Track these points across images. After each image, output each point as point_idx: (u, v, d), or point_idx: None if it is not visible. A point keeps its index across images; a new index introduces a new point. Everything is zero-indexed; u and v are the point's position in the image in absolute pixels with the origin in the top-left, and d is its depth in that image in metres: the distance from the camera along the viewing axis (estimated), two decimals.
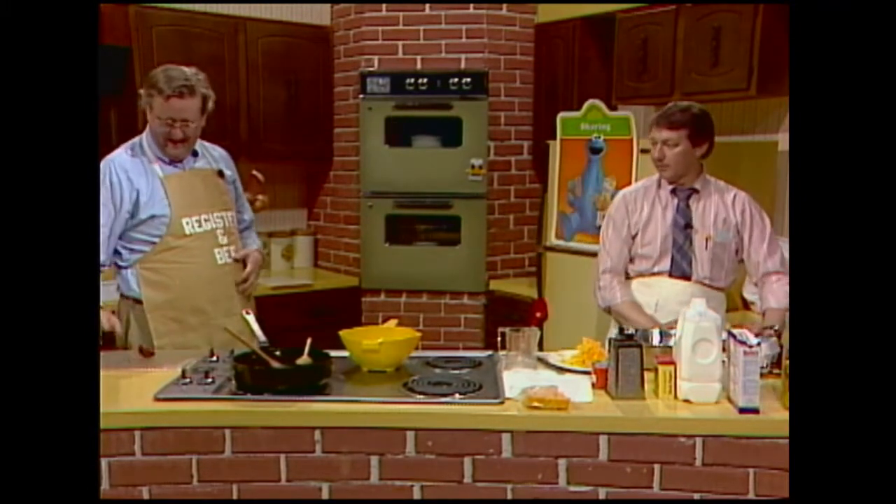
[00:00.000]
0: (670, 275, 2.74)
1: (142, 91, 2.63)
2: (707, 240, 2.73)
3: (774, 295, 2.70)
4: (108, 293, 2.73)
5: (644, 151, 3.57)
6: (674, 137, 2.68)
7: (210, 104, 2.66)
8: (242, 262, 2.76)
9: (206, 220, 2.66)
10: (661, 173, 2.78)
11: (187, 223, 2.62)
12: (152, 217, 2.58)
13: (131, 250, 2.62)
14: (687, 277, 2.74)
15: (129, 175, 2.59)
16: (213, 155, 2.81)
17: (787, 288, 2.60)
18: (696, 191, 2.77)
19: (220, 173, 2.78)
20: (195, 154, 2.73)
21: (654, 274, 2.76)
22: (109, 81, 3.64)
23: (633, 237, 2.80)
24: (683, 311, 2.12)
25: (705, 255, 2.73)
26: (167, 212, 2.58)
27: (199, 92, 2.59)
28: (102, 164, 2.60)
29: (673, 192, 2.78)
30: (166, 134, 2.58)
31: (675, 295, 2.70)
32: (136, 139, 2.69)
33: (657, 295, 2.73)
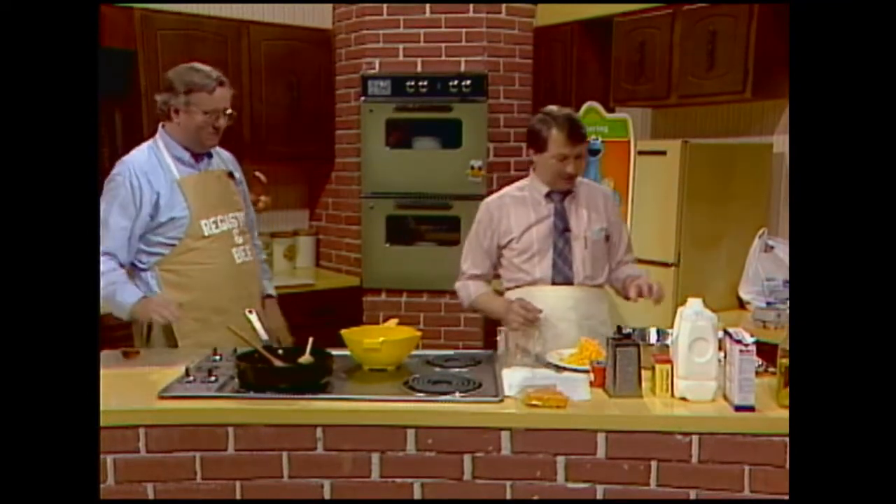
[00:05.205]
0: (553, 282, 2.68)
1: (162, 95, 2.60)
2: (586, 240, 2.68)
3: (631, 269, 2.80)
4: None
5: (641, 153, 3.60)
6: (583, 149, 2.66)
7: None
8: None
9: (222, 221, 2.67)
10: (565, 185, 2.68)
11: (205, 225, 2.62)
12: (172, 220, 2.57)
13: (150, 253, 2.60)
14: (569, 282, 2.68)
15: (148, 177, 2.56)
16: (223, 157, 2.82)
17: (636, 267, 2.86)
18: (570, 192, 2.72)
19: (231, 174, 2.79)
20: (209, 155, 2.73)
21: (535, 282, 2.68)
22: (114, 84, 3.68)
23: (502, 247, 2.73)
24: (680, 310, 2.12)
25: (586, 256, 2.68)
26: (186, 214, 2.58)
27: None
28: (120, 167, 2.58)
29: (547, 196, 2.71)
30: (211, 126, 2.59)
31: (561, 301, 2.65)
32: (150, 142, 2.66)
33: (542, 304, 2.58)
